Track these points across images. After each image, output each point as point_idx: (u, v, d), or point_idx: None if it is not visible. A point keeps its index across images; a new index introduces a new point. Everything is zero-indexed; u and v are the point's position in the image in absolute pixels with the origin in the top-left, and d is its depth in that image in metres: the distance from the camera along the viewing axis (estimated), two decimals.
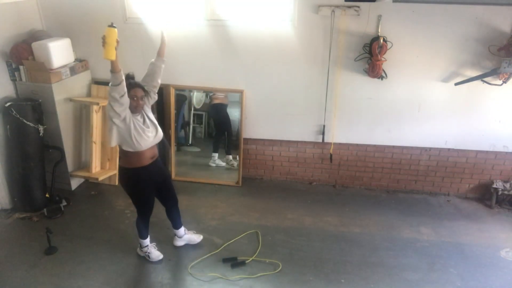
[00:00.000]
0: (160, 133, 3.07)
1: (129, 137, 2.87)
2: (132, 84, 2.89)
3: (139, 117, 2.96)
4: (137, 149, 2.92)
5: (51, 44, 3.95)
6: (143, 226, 3.33)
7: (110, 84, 2.75)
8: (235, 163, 4.94)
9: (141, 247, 3.43)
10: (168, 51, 4.26)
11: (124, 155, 2.99)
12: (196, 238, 3.66)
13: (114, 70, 2.70)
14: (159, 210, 4.15)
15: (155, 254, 3.42)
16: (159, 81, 3.13)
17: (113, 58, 2.67)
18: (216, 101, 4.94)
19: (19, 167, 3.96)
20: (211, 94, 4.98)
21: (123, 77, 2.76)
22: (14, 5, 3.97)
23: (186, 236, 3.62)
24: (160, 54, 3.13)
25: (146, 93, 3.00)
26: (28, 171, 3.98)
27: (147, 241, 3.40)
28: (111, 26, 2.65)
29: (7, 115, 3.85)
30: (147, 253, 3.41)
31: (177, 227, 3.56)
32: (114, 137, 2.87)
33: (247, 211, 4.14)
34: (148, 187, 3.13)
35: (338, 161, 4.55)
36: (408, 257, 3.51)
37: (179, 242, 3.62)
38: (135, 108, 2.91)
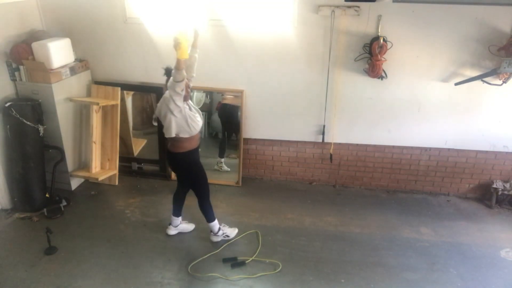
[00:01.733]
0: (202, 117, 3.38)
1: (186, 125, 3.18)
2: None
3: (185, 106, 3.22)
4: (193, 133, 3.25)
5: (51, 44, 3.95)
6: (210, 207, 3.55)
7: (173, 80, 3.02)
8: (224, 167, 4.97)
9: (215, 232, 3.60)
10: (168, 51, 4.30)
11: (180, 142, 3.27)
12: (189, 227, 3.83)
13: (180, 67, 2.96)
14: (159, 210, 4.16)
15: (230, 230, 3.68)
16: (195, 71, 3.40)
17: (187, 57, 2.99)
18: (224, 101, 4.93)
19: (19, 167, 3.96)
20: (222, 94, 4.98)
21: (185, 74, 3.02)
22: (14, 5, 3.97)
23: (181, 225, 3.78)
24: (194, 45, 3.35)
25: (188, 83, 3.24)
26: (28, 171, 3.98)
27: (217, 222, 3.58)
28: (180, 29, 2.95)
29: (7, 115, 3.85)
30: (224, 234, 3.64)
31: (177, 214, 3.72)
32: (173, 128, 3.17)
33: (247, 211, 4.14)
34: (200, 163, 3.47)
35: (338, 161, 4.55)
36: (408, 257, 3.51)
37: (173, 231, 3.75)
38: (185, 98, 3.17)
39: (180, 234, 3.76)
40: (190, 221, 3.89)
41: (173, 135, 3.19)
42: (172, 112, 3.10)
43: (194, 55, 3.32)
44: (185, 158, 3.34)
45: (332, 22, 3.88)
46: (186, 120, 3.17)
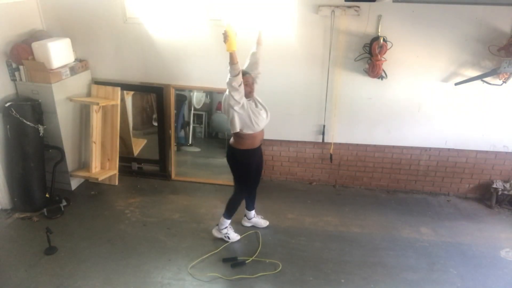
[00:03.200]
0: (269, 113, 3.37)
1: (249, 121, 3.19)
2: (243, 72, 3.18)
3: (251, 102, 3.26)
4: (256, 130, 3.27)
5: (51, 44, 3.95)
6: (234, 206, 3.56)
7: (229, 76, 3.05)
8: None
9: (220, 228, 3.63)
10: (168, 51, 4.31)
11: (241, 138, 3.30)
12: (263, 222, 3.89)
13: (233, 62, 3.00)
14: (159, 210, 4.15)
15: (234, 235, 3.65)
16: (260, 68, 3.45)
17: (235, 49, 2.98)
18: None
19: (19, 167, 3.96)
20: None
21: (240, 68, 3.05)
22: (14, 5, 3.97)
23: (254, 219, 3.87)
24: (259, 43, 3.44)
25: (254, 79, 3.31)
26: (28, 171, 3.98)
27: (228, 221, 3.60)
28: (228, 22, 3.01)
29: (7, 115, 3.85)
30: (226, 234, 3.63)
31: (249, 208, 3.83)
32: (237, 123, 3.19)
33: None
34: (254, 166, 3.49)
35: (338, 161, 4.55)
36: (408, 257, 3.51)
37: (247, 223, 3.88)
38: (249, 94, 3.21)
39: (179, 234, 3.76)
40: (219, 216, 3.88)
41: (238, 130, 3.20)
42: (233, 108, 3.12)
43: (259, 51, 3.40)
44: (242, 156, 3.38)
45: (332, 22, 3.88)
46: (249, 116, 3.17)
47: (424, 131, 4.24)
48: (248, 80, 3.21)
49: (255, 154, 3.45)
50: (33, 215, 4.01)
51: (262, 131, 3.39)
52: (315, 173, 4.68)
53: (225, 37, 2.98)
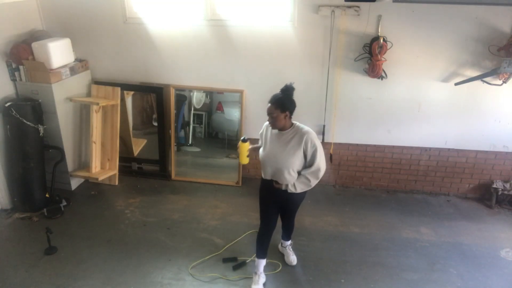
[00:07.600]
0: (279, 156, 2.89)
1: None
2: (271, 99, 2.91)
3: (284, 132, 2.94)
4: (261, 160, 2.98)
5: (51, 44, 3.95)
6: (257, 241, 3.15)
7: None
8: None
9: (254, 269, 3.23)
10: (168, 51, 4.31)
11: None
12: (291, 259, 3.44)
13: None
14: (159, 210, 4.14)
15: (256, 286, 3.11)
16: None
17: (246, 162, 3.06)
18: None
19: (19, 167, 3.96)
20: None
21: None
22: (14, 5, 3.97)
23: (282, 248, 3.54)
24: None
25: (283, 110, 2.88)
26: (28, 171, 3.98)
27: (258, 262, 3.15)
28: (244, 140, 2.96)
29: (7, 115, 3.85)
30: (256, 272, 3.18)
31: (282, 237, 3.52)
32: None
33: (247, 211, 4.13)
34: (267, 200, 3.06)
35: (338, 161, 4.55)
36: (408, 257, 3.51)
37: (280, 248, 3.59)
38: (271, 124, 2.93)
39: (179, 234, 3.77)
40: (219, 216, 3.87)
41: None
42: None
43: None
44: (260, 183, 3.11)
45: (332, 22, 3.88)
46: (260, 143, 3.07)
47: (424, 131, 4.24)
48: (267, 109, 2.89)
49: (263, 185, 3.06)
50: (33, 215, 4.01)
51: (269, 166, 2.91)
52: None
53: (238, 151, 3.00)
